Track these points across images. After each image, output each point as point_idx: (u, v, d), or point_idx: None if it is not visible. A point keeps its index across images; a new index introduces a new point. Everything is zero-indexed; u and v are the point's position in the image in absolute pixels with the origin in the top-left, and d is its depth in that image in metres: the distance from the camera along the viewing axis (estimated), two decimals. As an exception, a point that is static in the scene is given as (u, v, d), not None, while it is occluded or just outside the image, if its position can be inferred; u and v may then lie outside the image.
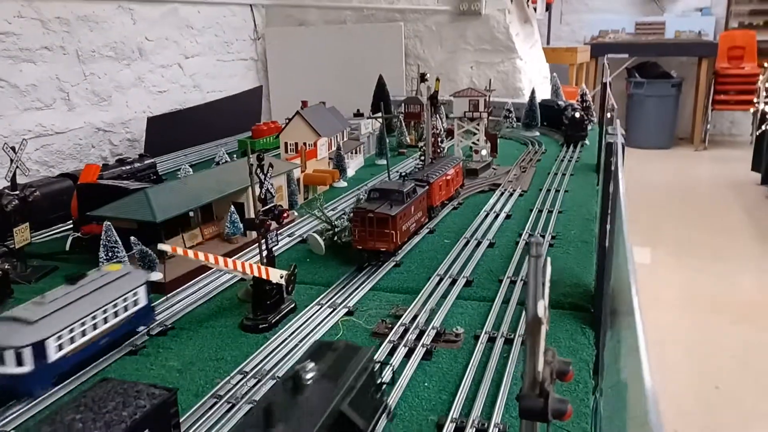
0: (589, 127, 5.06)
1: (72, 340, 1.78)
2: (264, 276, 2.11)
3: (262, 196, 2.18)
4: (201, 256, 1.93)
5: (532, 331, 1.01)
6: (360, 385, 1.28)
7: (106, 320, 1.90)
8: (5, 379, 1.65)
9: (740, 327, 5.27)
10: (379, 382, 1.42)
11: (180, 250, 1.88)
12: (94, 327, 1.86)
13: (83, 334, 1.82)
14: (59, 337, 1.73)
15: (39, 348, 1.68)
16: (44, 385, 1.72)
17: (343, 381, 1.23)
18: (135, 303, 2.01)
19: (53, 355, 1.71)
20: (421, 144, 4.15)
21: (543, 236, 2.95)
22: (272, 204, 2.23)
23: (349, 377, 1.25)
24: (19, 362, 1.64)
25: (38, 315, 1.71)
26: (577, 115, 4.93)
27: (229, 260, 1.98)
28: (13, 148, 2.58)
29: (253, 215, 2.21)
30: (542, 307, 0.99)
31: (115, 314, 1.93)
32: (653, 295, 5.76)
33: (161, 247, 1.89)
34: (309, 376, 1.19)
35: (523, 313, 2.19)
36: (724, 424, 4.14)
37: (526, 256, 2.71)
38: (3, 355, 1.64)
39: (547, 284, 1.03)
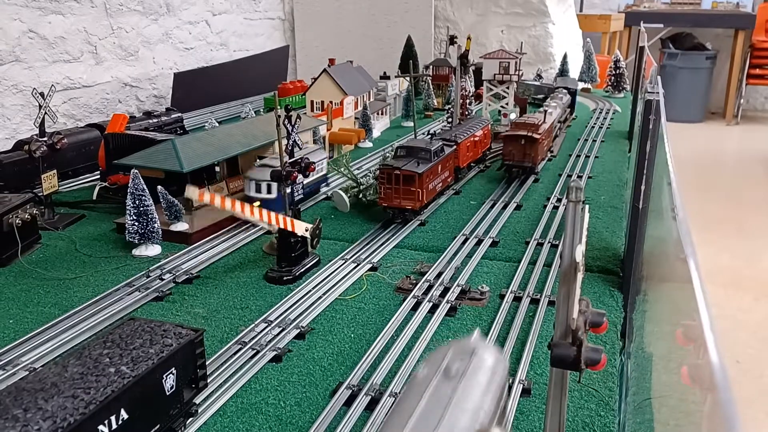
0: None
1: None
2: (290, 228, 2.10)
3: (289, 148, 2.16)
4: (228, 204, 1.91)
5: (568, 276, 0.99)
6: None
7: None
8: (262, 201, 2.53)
9: (762, 303, 5.19)
10: None
11: (207, 196, 1.86)
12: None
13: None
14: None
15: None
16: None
17: None
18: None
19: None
20: (448, 106, 4.10)
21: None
22: (299, 156, 2.21)
23: None
24: (269, 191, 2.63)
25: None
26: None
27: (256, 209, 1.96)
28: (42, 94, 2.58)
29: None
30: (580, 252, 0.96)
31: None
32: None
33: (188, 193, 1.87)
34: None
35: (552, 269, 2.17)
36: (743, 398, 4.09)
37: (554, 219, 2.67)
38: (260, 185, 2.63)
39: (585, 230, 1.00)
